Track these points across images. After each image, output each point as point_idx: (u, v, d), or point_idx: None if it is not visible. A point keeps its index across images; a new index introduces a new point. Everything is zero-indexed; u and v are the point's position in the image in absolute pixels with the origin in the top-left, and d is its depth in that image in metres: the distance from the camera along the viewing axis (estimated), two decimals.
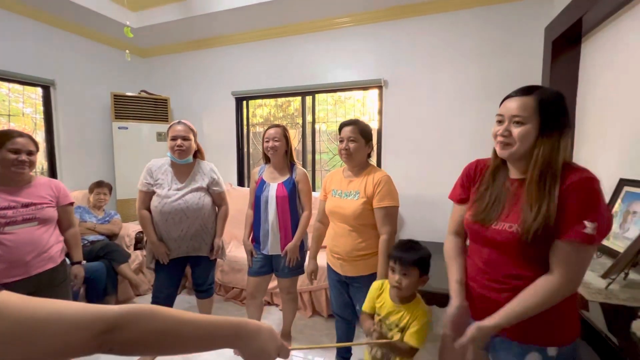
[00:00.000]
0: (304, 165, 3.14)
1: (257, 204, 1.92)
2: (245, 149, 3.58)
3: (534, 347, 0.90)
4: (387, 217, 1.50)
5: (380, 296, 1.32)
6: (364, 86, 2.91)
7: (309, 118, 3.22)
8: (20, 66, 2.67)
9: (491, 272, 0.95)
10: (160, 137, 3.39)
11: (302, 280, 2.21)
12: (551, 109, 0.85)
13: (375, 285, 1.36)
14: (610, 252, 1.38)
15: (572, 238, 0.80)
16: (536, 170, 0.85)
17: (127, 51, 2.85)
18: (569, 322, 0.90)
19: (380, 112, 2.89)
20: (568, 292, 0.84)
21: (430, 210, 2.72)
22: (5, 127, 2.67)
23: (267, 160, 2.00)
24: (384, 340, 1.18)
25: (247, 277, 2.01)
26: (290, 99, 3.46)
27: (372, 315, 1.33)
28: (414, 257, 1.19)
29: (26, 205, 1.45)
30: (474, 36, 2.54)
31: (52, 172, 2.99)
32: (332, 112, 3.32)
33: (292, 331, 2.18)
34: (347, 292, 1.67)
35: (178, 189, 1.84)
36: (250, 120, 3.56)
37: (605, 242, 1.43)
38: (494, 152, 0.98)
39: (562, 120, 0.86)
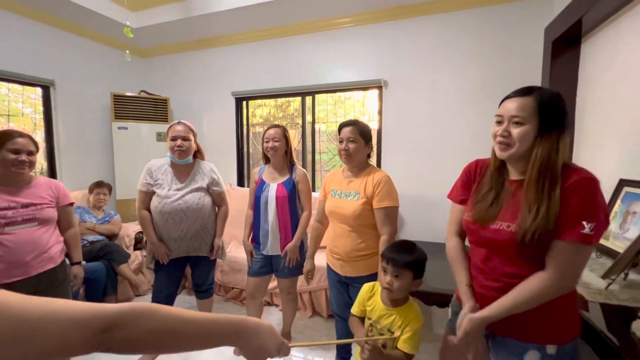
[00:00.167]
0: (303, 166, 3.14)
1: (256, 205, 1.92)
2: (245, 149, 3.58)
3: (533, 345, 0.90)
4: (387, 218, 1.50)
5: (371, 299, 1.27)
6: (363, 86, 2.91)
7: (308, 118, 3.22)
8: (20, 66, 2.67)
9: (489, 271, 0.96)
10: (160, 137, 3.39)
11: (302, 281, 2.20)
12: (550, 110, 0.85)
13: (366, 287, 1.31)
14: (610, 253, 1.38)
15: (570, 238, 0.81)
16: (535, 171, 0.86)
17: (127, 51, 2.85)
18: (568, 321, 0.91)
19: (380, 113, 2.89)
20: (561, 290, 0.84)
21: (430, 210, 2.72)
22: (5, 127, 2.67)
23: (266, 160, 2.00)
24: (383, 337, 1.16)
25: (247, 278, 2.02)
26: (290, 99, 3.46)
27: (362, 319, 1.29)
28: (407, 259, 1.14)
29: (26, 206, 1.45)
30: (474, 36, 2.54)
31: (52, 172, 2.99)
32: (332, 113, 3.32)
33: (292, 331, 2.18)
34: (347, 292, 1.67)
35: (178, 189, 1.83)
36: (250, 121, 3.56)
37: (605, 243, 1.43)
38: (494, 152, 0.99)
39: (561, 120, 0.86)
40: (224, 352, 2.03)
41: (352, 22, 2.87)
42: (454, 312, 1.14)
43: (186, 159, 1.86)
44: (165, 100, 3.47)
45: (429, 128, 2.72)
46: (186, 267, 2.00)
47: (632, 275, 1.18)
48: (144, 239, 2.03)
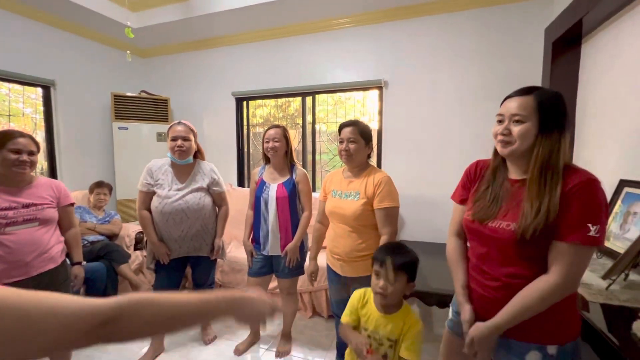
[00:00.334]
0: (304, 166, 3.14)
1: (257, 205, 1.92)
2: (245, 150, 3.58)
3: (534, 346, 0.90)
4: (387, 218, 1.50)
5: (364, 307, 1.19)
6: (364, 87, 2.91)
7: (309, 118, 3.22)
8: (20, 66, 2.67)
9: (489, 270, 0.96)
10: (161, 137, 3.39)
11: (302, 281, 2.21)
12: (550, 108, 0.86)
13: (357, 295, 1.23)
14: (610, 253, 1.38)
15: (576, 241, 0.81)
16: (536, 168, 0.86)
17: (128, 52, 2.86)
18: (569, 321, 0.91)
19: (380, 113, 2.89)
20: (567, 292, 0.85)
21: (431, 211, 2.72)
22: (6, 127, 2.67)
23: (267, 160, 2.00)
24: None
25: (247, 278, 2.02)
26: (290, 99, 3.46)
27: (354, 328, 1.21)
28: (401, 261, 1.09)
29: (27, 206, 1.45)
30: (474, 37, 2.54)
31: (52, 173, 2.99)
32: (332, 113, 3.33)
33: (292, 332, 2.18)
34: (347, 292, 1.67)
35: (178, 190, 1.84)
36: (250, 121, 3.56)
37: (605, 243, 1.43)
38: (495, 151, 1.00)
39: (561, 119, 0.87)
40: (224, 352, 2.03)
41: (352, 22, 2.87)
42: (455, 311, 1.14)
43: (186, 159, 1.86)
44: (166, 100, 3.47)
45: (429, 128, 2.72)
46: (186, 268, 2.00)
47: (633, 276, 1.18)
48: (145, 239, 2.04)
